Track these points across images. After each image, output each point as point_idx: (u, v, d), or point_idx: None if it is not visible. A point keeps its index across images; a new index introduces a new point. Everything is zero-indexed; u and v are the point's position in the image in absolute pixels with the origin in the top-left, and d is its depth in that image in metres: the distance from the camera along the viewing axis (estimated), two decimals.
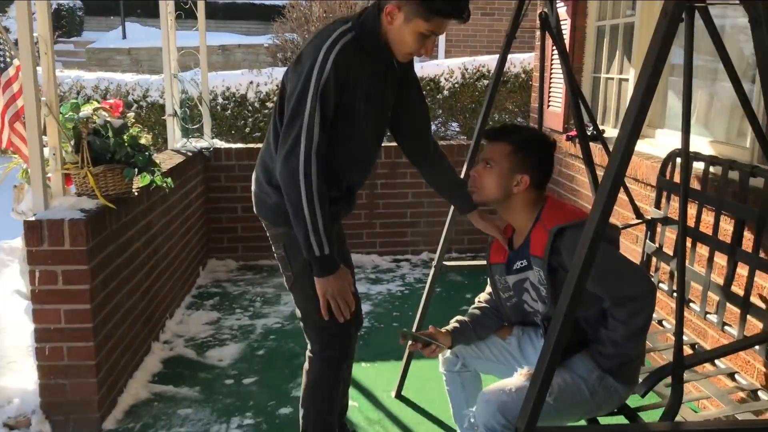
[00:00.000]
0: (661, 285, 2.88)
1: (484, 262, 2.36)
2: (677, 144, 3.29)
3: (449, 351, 2.35)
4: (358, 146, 2.23)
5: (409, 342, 2.27)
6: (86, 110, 2.93)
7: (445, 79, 7.33)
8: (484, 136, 2.26)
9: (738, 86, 1.81)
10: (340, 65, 2.02)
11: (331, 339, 2.31)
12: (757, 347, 2.24)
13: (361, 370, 3.45)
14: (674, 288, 2.82)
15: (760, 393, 2.28)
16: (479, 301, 2.45)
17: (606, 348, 2.02)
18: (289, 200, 2.08)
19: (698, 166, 2.74)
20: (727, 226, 2.59)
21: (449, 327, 2.32)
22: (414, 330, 2.97)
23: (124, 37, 16.14)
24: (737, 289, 2.44)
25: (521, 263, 2.18)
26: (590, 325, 2.08)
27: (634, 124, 1.58)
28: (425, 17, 1.98)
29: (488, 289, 2.43)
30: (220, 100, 7.08)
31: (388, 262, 5.21)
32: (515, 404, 1.82)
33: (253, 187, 2.38)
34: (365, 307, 4.26)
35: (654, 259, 2.94)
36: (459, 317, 2.37)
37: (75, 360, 2.82)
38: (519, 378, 2.04)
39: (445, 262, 3.13)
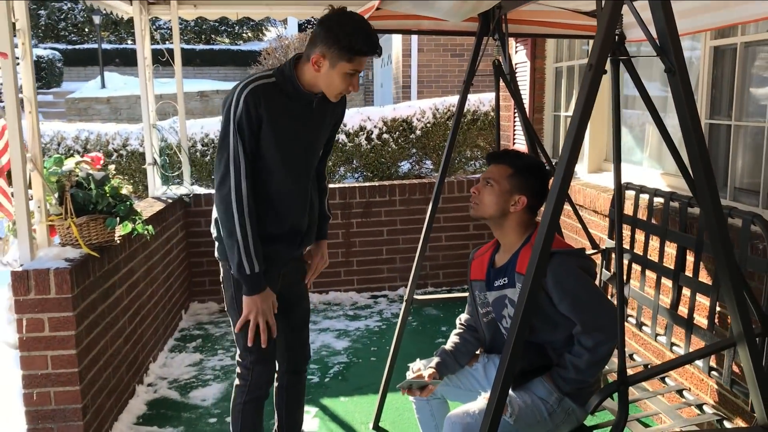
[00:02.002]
0: None
1: (454, 295, 2.51)
2: (632, 177, 3.51)
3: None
4: (287, 179, 2.41)
5: (408, 391, 2.40)
6: (68, 164, 3.09)
7: (417, 119, 7.57)
8: (487, 158, 2.46)
9: (662, 128, 2.01)
10: (250, 103, 2.28)
11: (254, 365, 2.51)
12: (700, 364, 2.42)
13: (339, 404, 3.57)
14: (629, 311, 3.00)
15: (705, 407, 2.45)
16: (460, 324, 2.59)
17: (568, 373, 2.18)
18: (223, 225, 2.31)
19: (644, 197, 2.94)
20: (671, 253, 2.78)
21: (433, 364, 2.45)
22: (390, 362, 3.08)
23: (103, 86, 16.38)
24: (683, 311, 2.62)
25: (503, 281, 2.35)
26: (556, 351, 2.25)
27: (569, 160, 1.76)
28: (348, 59, 2.24)
29: (468, 308, 2.59)
30: (199, 146, 7.26)
31: (366, 299, 5.36)
32: (479, 425, 1.97)
33: (213, 232, 2.53)
34: (344, 343, 4.40)
35: (609, 286, 3.12)
36: (442, 348, 2.52)
37: (62, 404, 2.92)
38: (482, 401, 2.18)
39: (418, 296, 3.29)
